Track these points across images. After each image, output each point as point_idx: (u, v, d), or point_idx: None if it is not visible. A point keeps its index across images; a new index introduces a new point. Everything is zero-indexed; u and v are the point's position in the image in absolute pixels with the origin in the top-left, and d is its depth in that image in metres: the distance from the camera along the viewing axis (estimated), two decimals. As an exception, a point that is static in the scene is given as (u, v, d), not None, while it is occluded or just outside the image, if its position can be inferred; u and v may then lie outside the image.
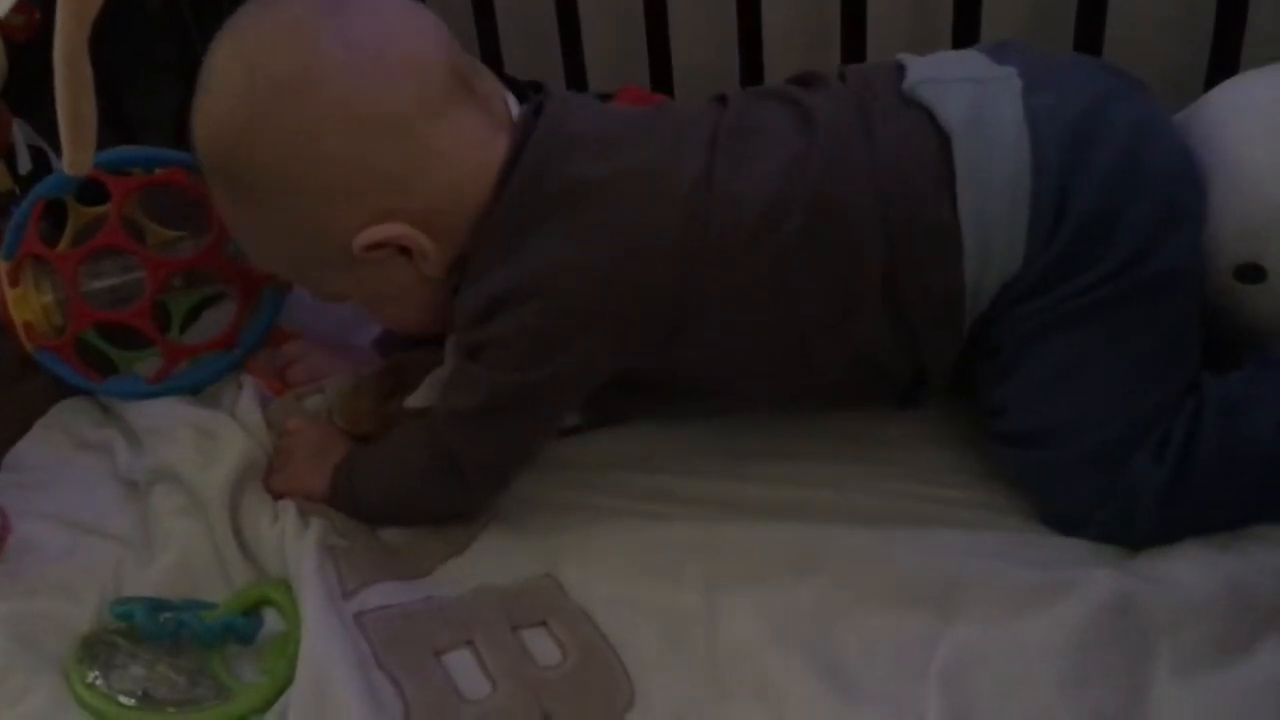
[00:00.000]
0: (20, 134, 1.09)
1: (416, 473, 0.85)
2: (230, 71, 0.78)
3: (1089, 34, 1.12)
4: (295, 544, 0.82)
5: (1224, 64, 1.07)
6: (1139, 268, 0.77)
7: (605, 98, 1.22)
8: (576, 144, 0.81)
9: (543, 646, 0.76)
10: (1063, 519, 0.80)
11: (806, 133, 0.81)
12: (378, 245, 0.79)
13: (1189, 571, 0.74)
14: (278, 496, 0.87)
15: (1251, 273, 0.81)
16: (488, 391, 0.80)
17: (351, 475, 0.87)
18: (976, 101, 0.80)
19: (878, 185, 0.79)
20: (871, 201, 0.78)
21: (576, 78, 1.31)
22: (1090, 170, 0.77)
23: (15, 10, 1.00)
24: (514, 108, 0.84)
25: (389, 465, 0.87)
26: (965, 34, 1.15)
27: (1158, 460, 0.77)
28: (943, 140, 0.79)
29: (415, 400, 0.87)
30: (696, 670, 0.74)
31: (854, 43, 1.19)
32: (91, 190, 0.96)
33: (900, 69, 0.84)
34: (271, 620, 0.80)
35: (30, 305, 0.95)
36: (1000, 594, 0.74)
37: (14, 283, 0.94)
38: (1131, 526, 0.77)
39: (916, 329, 0.81)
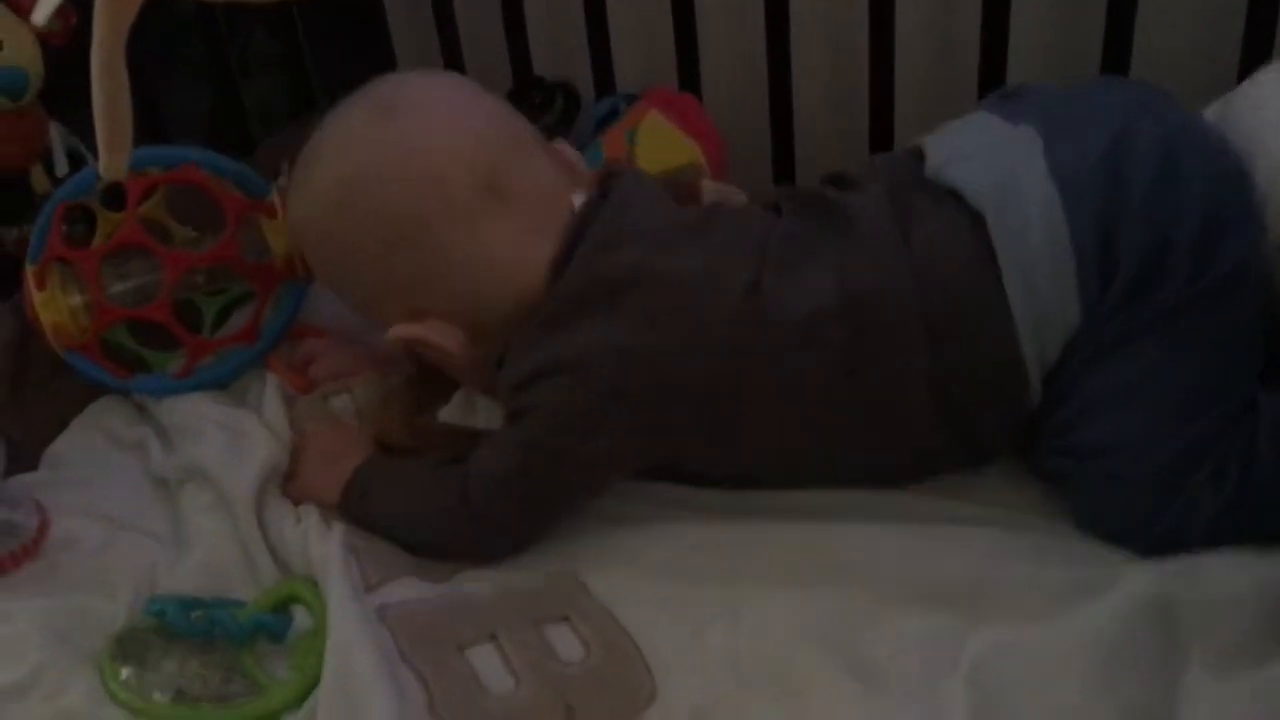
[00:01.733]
0: (57, 137, 1.10)
1: (438, 511, 0.85)
2: (299, 172, 0.88)
3: (1117, 45, 1.11)
4: (319, 545, 0.83)
5: (1257, 61, 1.07)
6: (1196, 282, 0.76)
7: (632, 99, 1.23)
8: (636, 236, 0.82)
9: (565, 642, 0.76)
10: (1112, 532, 0.79)
11: (848, 240, 0.82)
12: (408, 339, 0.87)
13: (1220, 571, 0.73)
14: (295, 503, 0.88)
15: None
16: (520, 455, 0.82)
17: (368, 492, 0.87)
18: (1000, 168, 0.80)
19: (919, 282, 0.79)
20: (912, 299, 0.79)
21: (604, 78, 1.31)
22: (1129, 204, 0.76)
23: (51, 15, 1.01)
24: (577, 198, 0.86)
25: (411, 496, 0.87)
26: (992, 40, 1.14)
27: (1217, 484, 0.76)
28: (976, 220, 0.79)
29: (449, 415, 0.88)
30: (719, 666, 0.74)
31: (881, 43, 1.18)
32: (115, 194, 0.97)
33: (919, 155, 0.85)
34: (300, 617, 0.80)
35: (58, 307, 0.96)
36: (1029, 593, 0.74)
37: (40, 285, 0.96)
38: (1181, 543, 0.76)
39: (971, 416, 0.80)
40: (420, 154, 0.83)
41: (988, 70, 1.15)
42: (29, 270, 0.96)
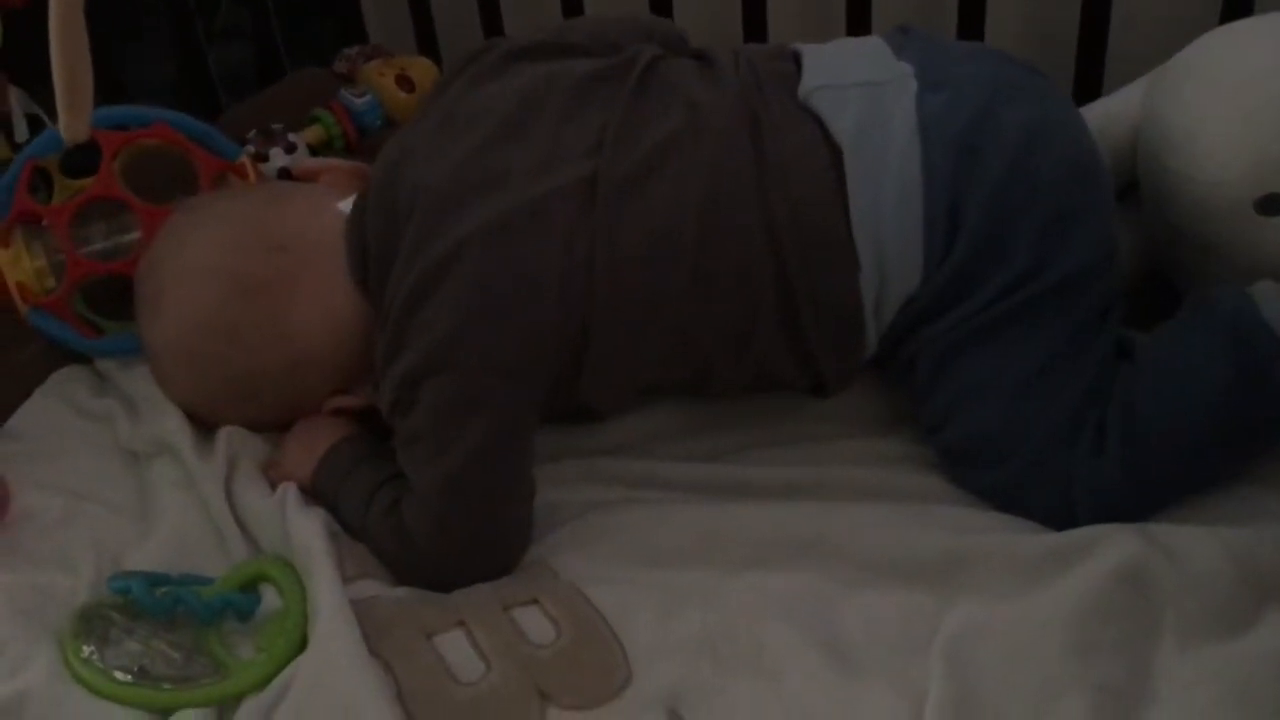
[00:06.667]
0: (17, 102, 1.09)
1: (384, 535, 0.82)
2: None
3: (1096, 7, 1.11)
4: (299, 516, 0.81)
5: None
6: (1037, 278, 0.77)
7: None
8: (426, 204, 0.80)
9: (536, 624, 0.75)
10: (1035, 512, 0.79)
11: (695, 149, 0.80)
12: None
13: (1194, 543, 0.73)
14: (273, 484, 0.86)
15: (1274, 204, 0.79)
16: (436, 472, 0.79)
17: (338, 493, 0.85)
18: (870, 109, 0.79)
19: (765, 205, 0.78)
20: (759, 222, 0.78)
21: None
22: (980, 184, 0.77)
23: (7, -25, 0.99)
24: (344, 204, 0.87)
25: (374, 543, 0.84)
26: (970, 9, 1.14)
27: (1102, 441, 0.77)
28: (835, 153, 0.79)
29: None
30: (693, 647, 0.73)
31: (858, 17, 1.18)
32: (83, 157, 0.95)
33: (797, 64, 0.83)
34: (269, 597, 0.79)
35: (23, 267, 0.94)
36: (1004, 568, 0.74)
37: (5, 244, 0.94)
38: (1109, 508, 0.77)
39: (812, 349, 0.81)
40: (214, 314, 0.86)
41: (965, 37, 1.14)
42: None
